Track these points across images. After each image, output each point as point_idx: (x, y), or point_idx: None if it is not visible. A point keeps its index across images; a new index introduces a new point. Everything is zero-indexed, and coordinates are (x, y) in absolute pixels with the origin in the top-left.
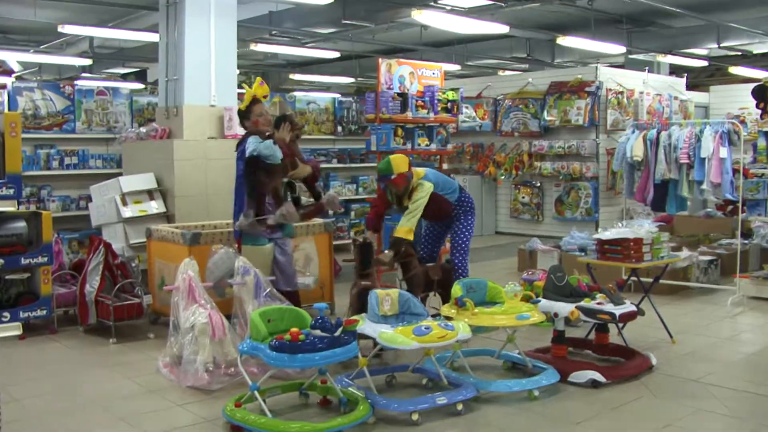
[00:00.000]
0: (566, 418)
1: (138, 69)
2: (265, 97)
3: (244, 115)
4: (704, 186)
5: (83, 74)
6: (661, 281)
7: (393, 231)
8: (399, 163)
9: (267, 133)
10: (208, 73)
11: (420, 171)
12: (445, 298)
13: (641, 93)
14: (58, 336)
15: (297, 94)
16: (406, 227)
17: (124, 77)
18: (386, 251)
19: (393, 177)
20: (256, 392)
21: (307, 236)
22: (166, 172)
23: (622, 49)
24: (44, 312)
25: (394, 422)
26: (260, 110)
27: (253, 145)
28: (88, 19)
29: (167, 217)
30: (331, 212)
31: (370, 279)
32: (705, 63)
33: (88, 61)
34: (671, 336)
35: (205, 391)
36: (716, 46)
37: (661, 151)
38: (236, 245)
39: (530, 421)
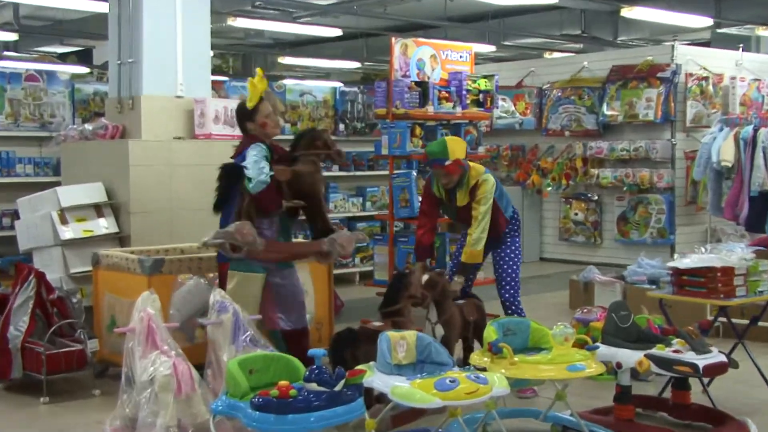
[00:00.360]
0: None
1: (81, 48)
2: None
3: (248, 115)
4: None
5: (6, 53)
6: (760, 323)
7: (463, 254)
8: (456, 147)
9: (274, 138)
10: (173, 54)
11: (478, 166)
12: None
13: (733, 78)
14: None
15: (287, 82)
16: (475, 249)
17: (63, 58)
18: (456, 278)
19: (448, 163)
20: None
21: (300, 262)
22: (119, 181)
23: (709, 22)
24: None
25: None
26: (268, 109)
27: (252, 157)
28: None
29: (120, 239)
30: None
31: (396, 317)
32: None
33: (12, 36)
34: None
35: None
36: None
37: (759, 154)
38: (219, 272)
39: None
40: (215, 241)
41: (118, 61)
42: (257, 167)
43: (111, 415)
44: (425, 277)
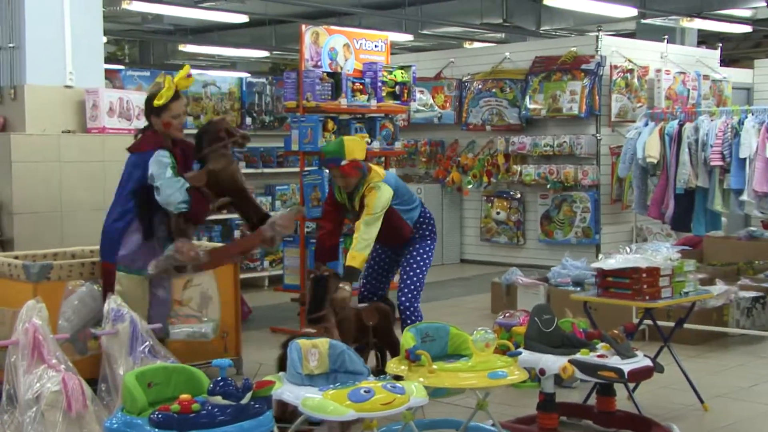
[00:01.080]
0: None
1: None
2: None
3: (156, 110)
4: (744, 196)
5: None
6: (686, 326)
7: (347, 256)
8: (354, 147)
9: (174, 140)
10: (61, 40)
11: (380, 170)
12: (386, 351)
13: (658, 71)
14: None
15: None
16: (361, 254)
17: None
18: (342, 285)
19: (344, 163)
20: None
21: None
22: (1, 179)
23: (633, 12)
24: None
25: None
26: (179, 110)
27: (163, 176)
28: None
29: (2, 242)
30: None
31: (323, 324)
32: (748, 29)
33: None
34: (702, 401)
35: None
36: (765, 4)
37: (685, 150)
38: (102, 271)
39: None
40: (160, 270)
41: None
42: (175, 186)
43: None
44: (313, 277)
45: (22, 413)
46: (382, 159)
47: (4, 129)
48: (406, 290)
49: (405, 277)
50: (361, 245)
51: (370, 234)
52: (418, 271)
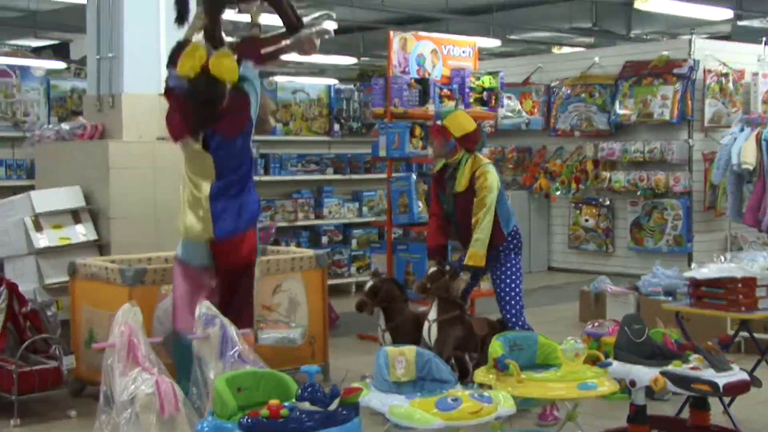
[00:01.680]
0: None
1: (57, 42)
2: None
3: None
4: None
5: None
6: None
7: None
8: (454, 119)
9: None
10: (156, 49)
11: (482, 157)
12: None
13: (755, 75)
14: None
15: (279, 79)
16: (479, 251)
17: (38, 52)
18: (462, 274)
19: (438, 123)
20: None
21: (291, 272)
22: (98, 185)
23: (729, 14)
24: None
25: None
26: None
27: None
28: None
29: (99, 247)
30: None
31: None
32: None
33: None
34: None
35: None
36: None
37: None
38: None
39: None
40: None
41: (98, 56)
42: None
43: None
44: (369, 284)
45: (118, 414)
46: None
47: (102, 136)
48: (508, 307)
49: (503, 294)
50: (476, 238)
51: (486, 221)
52: (514, 285)
